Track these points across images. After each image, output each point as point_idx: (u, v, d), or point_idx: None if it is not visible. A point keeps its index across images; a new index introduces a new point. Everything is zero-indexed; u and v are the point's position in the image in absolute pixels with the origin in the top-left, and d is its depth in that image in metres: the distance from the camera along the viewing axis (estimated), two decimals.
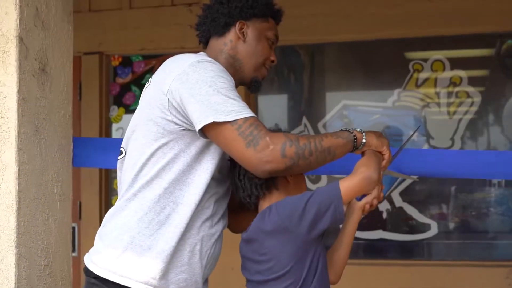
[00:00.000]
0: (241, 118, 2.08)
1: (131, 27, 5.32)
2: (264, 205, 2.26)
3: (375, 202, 2.26)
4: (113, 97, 5.50)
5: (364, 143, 2.19)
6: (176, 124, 2.16)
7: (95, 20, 5.43)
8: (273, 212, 2.16)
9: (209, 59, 2.22)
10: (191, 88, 2.12)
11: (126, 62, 5.51)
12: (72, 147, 2.87)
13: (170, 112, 2.16)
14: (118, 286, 2.17)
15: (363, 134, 2.21)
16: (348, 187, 2.12)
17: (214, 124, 2.08)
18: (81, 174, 5.32)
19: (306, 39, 5.24)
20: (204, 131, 2.13)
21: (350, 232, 2.31)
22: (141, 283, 2.16)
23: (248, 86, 2.41)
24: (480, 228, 5.15)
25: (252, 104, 5.24)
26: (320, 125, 5.20)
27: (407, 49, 5.26)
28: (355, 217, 2.29)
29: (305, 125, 5.24)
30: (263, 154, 2.07)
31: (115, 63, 5.51)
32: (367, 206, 2.27)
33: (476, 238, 5.14)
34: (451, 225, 5.15)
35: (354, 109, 5.22)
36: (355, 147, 2.19)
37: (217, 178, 2.26)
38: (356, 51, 5.41)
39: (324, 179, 5.17)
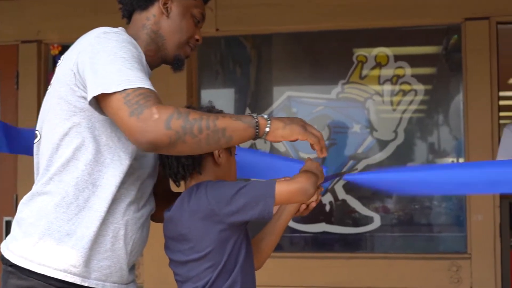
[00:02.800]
0: (131, 88, 1.94)
1: (71, 15, 5.19)
2: (191, 185, 2.21)
3: (312, 204, 2.25)
4: None
5: (268, 132, 2.00)
6: (86, 99, 2.04)
7: (33, 7, 5.29)
8: (201, 191, 2.10)
9: (117, 30, 2.13)
10: (91, 58, 2.01)
11: (66, 51, 5.35)
12: None
13: (78, 87, 2.06)
14: (36, 275, 2.06)
15: (268, 121, 2.00)
16: (283, 191, 2.05)
17: (104, 96, 1.95)
18: (18, 167, 5.18)
19: (251, 29, 5.19)
20: (98, 103, 2.01)
21: (281, 225, 2.32)
22: (60, 271, 2.05)
23: (171, 64, 2.33)
24: (423, 221, 5.16)
25: (195, 97, 5.17)
26: None
27: (351, 41, 5.24)
28: (287, 214, 2.29)
29: None
30: (145, 123, 1.90)
31: (55, 52, 5.36)
32: (303, 207, 2.27)
33: (418, 231, 5.16)
34: (394, 218, 5.15)
35: (298, 101, 5.18)
36: (257, 135, 2.01)
37: (141, 158, 2.18)
38: (301, 42, 5.38)
39: None
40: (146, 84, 1.97)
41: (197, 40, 2.32)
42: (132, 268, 2.26)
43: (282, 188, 2.05)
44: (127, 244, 2.15)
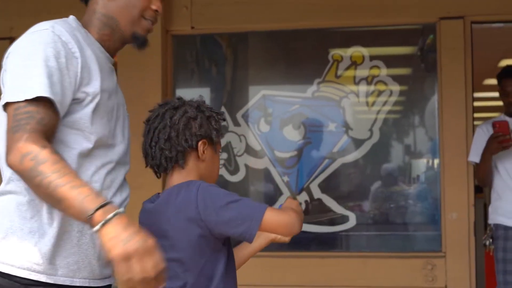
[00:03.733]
0: (22, 101, 1.91)
1: (44, 12, 5.13)
2: (173, 179, 2.17)
3: (286, 240, 2.27)
4: None
5: (95, 230, 1.74)
6: None
7: (6, 4, 5.24)
8: (191, 191, 2.06)
9: (49, 26, 2.05)
10: (9, 61, 2.01)
11: None
12: None
13: None
14: (0, 274, 2.01)
15: (104, 223, 1.74)
16: (272, 220, 2.03)
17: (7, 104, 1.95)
18: None
19: (226, 27, 5.18)
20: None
21: (255, 249, 2.35)
22: (23, 269, 2.00)
23: (132, 43, 2.24)
24: (398, 220, 5.18)
25: (170, 95, 5.13)
26: (239, 115, 5.12)
27: (327, 40, 5.25)
28: (265, 240, 2.34)
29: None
30: (12, 146, 1.87)
31: None
32: (280, 237, 2.30)
33: (394, 230, 5.17)
34: (370, 217, 5.16)
35: (273, 100, 5.17)
36: (87, 221, 1.82)
37: (105, 146, 2.12)
38: (277, 41, 5.37)
39: (243, 171, 5.11)
40: (45, 92, 1.92)
41: (156, 10, 2.23)
42: (108, 262, 2.21)
43: (272, 217, 2.03)
44: (95, 238, 2.05)
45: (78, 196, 1.79)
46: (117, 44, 2.21)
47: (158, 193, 2.22)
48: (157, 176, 2.23)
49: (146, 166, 2.23)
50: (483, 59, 5.50)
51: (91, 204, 1.77)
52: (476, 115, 5.06)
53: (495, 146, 4.37)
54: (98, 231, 1.74)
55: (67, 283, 2.06)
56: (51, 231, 2.02)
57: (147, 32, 2.23)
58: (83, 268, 2.09)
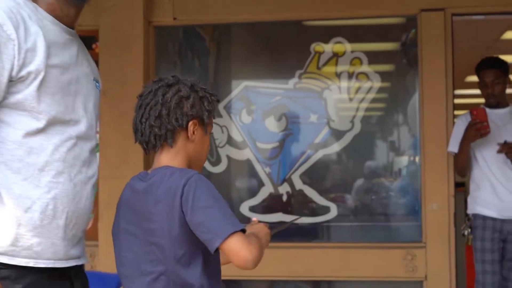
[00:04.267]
0: None
1: None
2: (161, 157, 2.15)
3: None
4: None
5: None
6: None
7: None
8: (182, 180, 2.02)
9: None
10: None
11: None
12: None
13: None
14: None
15: None
16: (233, 246, 1.96)
17: None
18: None
19: (209, 18, 5.17)
20: None
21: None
22: None
23: (73, 2, 2.19)
24: (379, 211, 5.20)
25: None
26: (221, 107, 5.13)
27: (309, 32, 5.26)
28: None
29: None
30: None
31: None
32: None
33: (374, 220, 5.20)
34: (351, 208, 5.19)
35: (255, 91, 5.17)
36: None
37: (63, 123, 2.10)
38: (259, 33, 5.38)
39: (224, 162, 5.12)
40: None
41: None
42: (77, 243, 2.20)
43: (235, 243, 1.96)
44: (59, 218, 2.09)
45: None
46: (66, 10, 2.16)
47: (146, 171, 2.18)
48: (146, 153, 2.20)
49: (136, 142, 2.19)
50: (465, 57, 5.54)
51: None
52: (458, 112, 5.09)
53: (473, 133, 4.41)
54: None
55: (31, 264, 2.06)
56: (13, 214, 2.02)
57: None
58: (47, 249, 2.08)
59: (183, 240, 2.02)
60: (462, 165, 4.63)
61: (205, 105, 2.17)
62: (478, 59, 4.73)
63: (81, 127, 2.17)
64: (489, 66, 4.64)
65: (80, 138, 2.16)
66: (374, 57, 5.11)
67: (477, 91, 4.81)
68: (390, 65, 5.25)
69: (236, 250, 1.96)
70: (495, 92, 4.60)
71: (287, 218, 5.05)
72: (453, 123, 4.81)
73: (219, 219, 1.98)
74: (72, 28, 2.22)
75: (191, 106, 2.14)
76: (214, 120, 2.25)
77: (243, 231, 2.00)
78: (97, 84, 2.32)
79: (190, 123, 2.14)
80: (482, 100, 4.73)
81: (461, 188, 5.58)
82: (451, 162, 4.77)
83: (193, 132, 2.15)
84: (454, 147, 4.61)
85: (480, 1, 4.89)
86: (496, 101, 4.63)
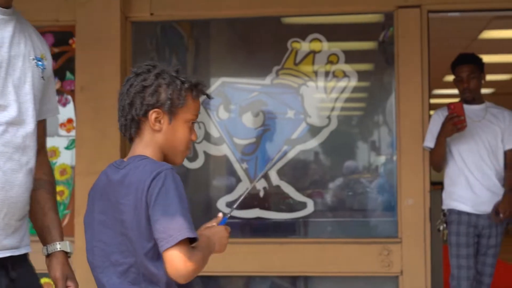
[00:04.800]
0: None
1: None
2: (134, 147, 2.14)
3: None
4: None
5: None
6: None
7: None
8: (153, 173, 1.99)
9: None
10: None
11: None
12: None
13: None
14: None
15: None
16: (174, 256, 1.93)
17: None
18: None
19: (186, 14, 5.16)
20: None
21: None
22: None
23: None
24: (355, 206, 5.23)
25: None
26: None
27: (286, 28, 5.27)
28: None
29: None
30: None
31: None
32: None
33: (351, 216, 5.22)
34: (327, 203, 5.21)
35: (233, 87, 5.18)
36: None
37: None
38: (236, 29, 5.38)
39: (201, 158, 5.12)
40: None
41: None
42: (13, 233, 2.16)
43: (176, 253, 1.93)
44: None
45: None
46: None
47: (122, 159, 2.15)
48: (129, 142, 2.17)
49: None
50: (443, 57, 5.59)
51: None
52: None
53: (450, 128, 4.45)
54: None
55: None
56: None
57: None
58: None
59: (151, 233, 1.98)
60: (438, 160, 4.66)
61: (169, 93, 2.07)
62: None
63: (11, 113, 2.11)
64: (464, 61, 4.69)
65: (10, 124, 2.10)
66: (351, 54, 5.13)
67: (455, 91, 4.86)
68: (367, 62, 5.28)
69: (173, 261, 1.93)
70: (470, 86, 4.66)
71: (264, 214, 5.06)
72: (429, 117, 4.85)
73: (175, 221, 1.94)
74: (7, 7, 2.17)
75: (150, 94, 2.07)
76: None
77: (195, 239, 1.97)
78: (39, 63, 2.24)
79: (151, 112, 2.08)
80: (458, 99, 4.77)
81: (438, 186, 5.62)
82: (427, 157, 4.80)
83: (154, 122, 2.09)
84: (430, 142, 4.65)
85: None
86: (472, 96, 4.69)
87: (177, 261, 1.93)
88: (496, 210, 4.58)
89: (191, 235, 1.94)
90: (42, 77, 2.25)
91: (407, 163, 4.84)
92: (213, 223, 2.21)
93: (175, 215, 1.94)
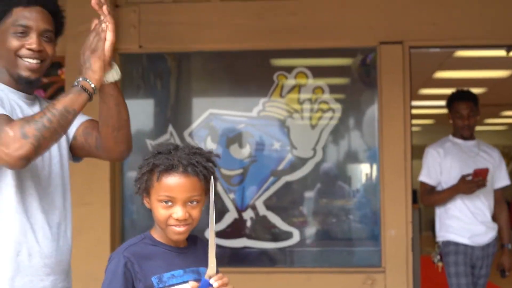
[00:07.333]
0: None
1: None
2: None
3: None
4: None
5: (94, 87, 2.21)
6: None
7: None
8: (110, 256, 2.15)
9: None
10: None
11: None
12: None
13: None
14: None
15: (86, 80, 2.20)
16: None
17: None
18: None
19: (173, 47, 5.24)
20: None
21: None
22: None
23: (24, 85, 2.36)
24: (340, 236, 5.30)
25: None
26: (186, 134, 5.21)
27: (272, 60, 5.36)
28: None
29: (171, 133, 5.23)
30: (8, 145, 2.04)
31: None
32: None
33: (336, 245, 5.29)
34: (313, 233, 5.28)
35: (220, 118, 5.26)
36: (91, 94, 2.21)
37: (25, 176, 2.27)
38: (222, 61, 5.44)
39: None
40: None
41: (29, 49, 2.30)
42: (66, 277, 2.39)
43: None
44: (44, 258, 2.28)
45: (65, 96, 2.16)
46: (16, 85, 2.34)
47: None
48: None
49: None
50: (418, 73, 5.66)
51: (74, 89, 2.18)
52: (414, 121, 5.19)
53: (473, 189, 4.51)
54: (92, 82, 2.22)
55: None
56: (6, 257, 2.23)
57: (31, 72, 2.32)
58: (36, 286, 2.27)
59: None
60: (437, 205, 4.73)
61: (145, 178, 2.16)
62: (431, 74, 4.82)
63: (46, 176, 2.44)
64: (465, 98, 4.76)
65: (50, 185, 2.45)
66: (335, 86, 5.24)
67: (428, 103, 4.90)
68: (351, 94, 5.36)
69: None
70: (470, 124, 4.73)
71: (251, 243, 5.13)
72: (411, 151, 4.95)
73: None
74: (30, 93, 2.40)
75: (136, 180, 2.19)
76: None
77: None
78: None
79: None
80: (432, 111, 4.82)
81: (416, 205, 5.62)
82: (409, 188, 4.91)
83: (145, 201, 2.20)
84: (425, 177, 4.71)
85: (436, 36, 5.06)
86: (470, 132, 4.76)
87: None
88: (501, 267, 4.68)
89: None
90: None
91: (390, 194, 4.95)
92: None
93: None
